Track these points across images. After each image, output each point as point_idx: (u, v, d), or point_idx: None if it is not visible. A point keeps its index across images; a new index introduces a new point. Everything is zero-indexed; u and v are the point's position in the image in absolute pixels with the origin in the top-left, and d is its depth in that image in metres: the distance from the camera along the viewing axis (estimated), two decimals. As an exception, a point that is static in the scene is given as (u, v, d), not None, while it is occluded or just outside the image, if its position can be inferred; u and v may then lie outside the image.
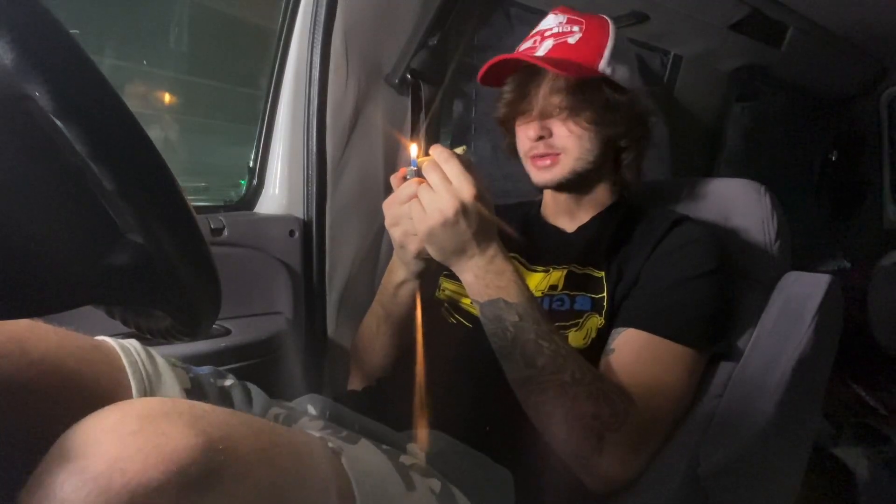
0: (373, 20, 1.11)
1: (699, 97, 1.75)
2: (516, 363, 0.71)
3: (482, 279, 0.71)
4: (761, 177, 1.04)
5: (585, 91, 0.89)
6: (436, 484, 0.60)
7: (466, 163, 0.70)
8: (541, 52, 0.92)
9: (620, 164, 0.96)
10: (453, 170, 0.68)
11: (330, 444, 0.53)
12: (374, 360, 0.96)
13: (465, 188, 0.67)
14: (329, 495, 0.49)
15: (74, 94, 0.37)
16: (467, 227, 0.68)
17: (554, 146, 0.90)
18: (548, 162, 0.91)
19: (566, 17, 0.95)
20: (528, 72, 0.92)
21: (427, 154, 0.72)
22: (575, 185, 0.94)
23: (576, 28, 0.93)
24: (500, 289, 0.70)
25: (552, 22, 0.95)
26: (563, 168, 0.91)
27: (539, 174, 0.93)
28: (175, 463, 0.38)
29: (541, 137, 0.90)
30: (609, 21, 0.94)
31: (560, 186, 0.94)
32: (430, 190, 0.68)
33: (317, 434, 0.56)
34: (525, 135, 0.92)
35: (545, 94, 0.90)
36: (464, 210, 0.67)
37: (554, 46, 0.92)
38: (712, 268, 0.84)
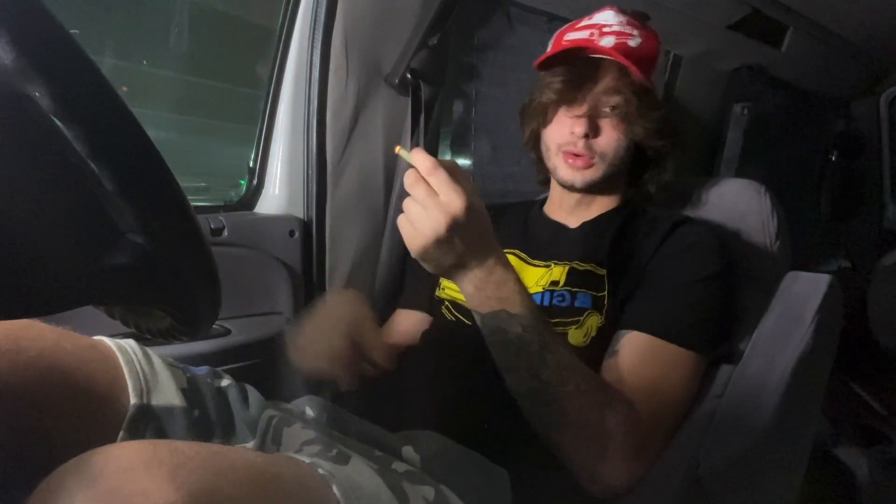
0: (373, 20, 1.11)
1: (699, 97, 1.75)
2: (520, 375, 0.68)
3: (482, 290, 0.67)
4: (761, 177, 1.04)
5: (643, 98, 0.88)
6: (429, 492, 0.59)
7: (452, 169, 0.63)
8: (602, 44, 0.89)
9: (641, 175, 0.97)
10: (439, 181, 0.61)
11: (320, 471, 0.51)
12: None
13: (454, 201, 0.60)
14: None
15: (74, 94, 0.37)
16: (461, 242, 0.63)
17: (594, 149, 0.89)
18: (581, 164, 0.90)
19: (625, 18, 0.93)
20: (586, 62, 0.90)
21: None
22: (599, 188, 0.94)
23: (636, 32, 0.91)
24: (501, 300, 0.66)
25: (612, 19, 0.92)
26: (597, 172, 0.90)
27: (571, 173, 0.91)
28: None
29: (586, 135, 0.88)
30: (658, 34, 0.94)
31: (586, 188, 0.93)
32: (417, 206, 0.62)
33: (306, 459, 0.54)
34: (568, 128, 0.90)
35: (604, 91, 0.88)
36: (455, 225, 0.61)
37: (616, 44, 0.89)
38: (716, 271, 0.83)
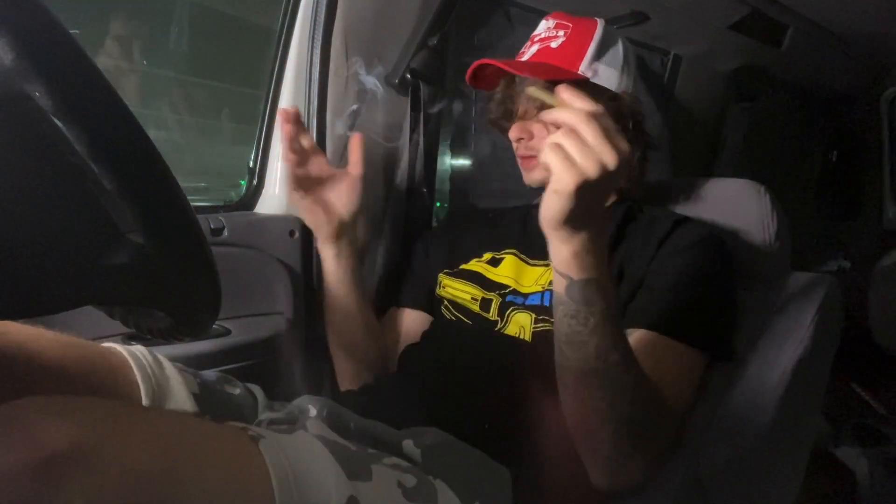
0: (373, 20, 1.11)
1: (699, 97, 1.75)
2: (585, 352, 0.65)
3: (588, 254, 0.62)
4: (761, 177, 1.04)
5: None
6: (410, 480, 0.58)
7: None
8: (526, 57, 0.95)
9: None
10: (611, 124, 0.58)
11: (250, 433, 0.51)
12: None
13: (624, 144, 0.58)
14: (238, 478, 0.47)
15: (74, 94, 0.37)
16: (607, 191, 0.60)
17: (533, 148, 0.93)
18: (533, 163, 0.94)
19: (555, 22, 0.97)
20: (514, 76, 0.95)
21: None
22: None
23: (560, 33, 0.95)
24: (597, 269, 0.63)
25: (542, 27, 0.98)
26: (543, 171, 0.93)
27: (527, 174, 0.96)
28: (38, 449, 0.37)
29: (521, 139, 0.93)
30: (598, 23, 0.95)
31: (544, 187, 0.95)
32: (580, 140, 0.57)
33: (240, 425, 0.54)
34: (510, 136, 0.96)
35: (523, 98, 0.94)
36: (620, 168, 0.57)
37: (538, 51, 0.95)
38: (717, 269, 0.84)
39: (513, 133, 0.94)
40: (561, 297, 0.65)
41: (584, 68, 0.92)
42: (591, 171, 0.57)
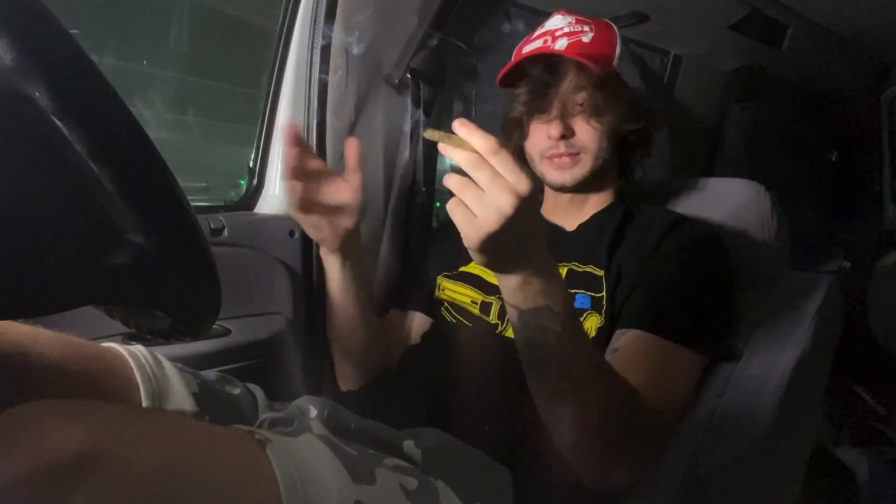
0: (373, 20, 1.11)
1: (699, 97, 1.75)
2: (550, 374, 0.66)
3: (530, 285, 0.61)
4: (761, 177, 1.04)
5: (607, 87, 0.89)
6: (411, 482, 0.58)
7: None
8: (555, 48, 0.92)
9: (627, 162, 0.97)
10: (505, 162, 0.55)
11: (257, 437, 0.51)
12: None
13: (522, 182, 0.54)
14: (245, 484, 0.47)
15: (74, 95, 0.37)
16: (522, 230, 0.57)
17: (575, 146, 0.90)
18: (568, 161, 0.91)
19: (573, 17, 0.96)
20: (546, 70, 0.92)
21: (442, 131, 0.58)
22: (589, 184, 0.94)
23: (586, 28, 0.93)
24: (547, 296, 0.62)
25: (561, 22, 0.95)
26: (584, 167, 0.91)
27: (558, 174, 0.92)
28: (46, 455, 0.37)
29: (563, 136, 0.89)
30: (612, 24, 0.96)
31: (577, 186, 0.93)
32: (477, 190, 0.55)
33: (246, 428, 0.54)
34: (545, 134, 0.91)
35: (567, 92, 0.90)
36: (522, 208, 0.54)
37: (570, 44, 0.91)
38: (715, 269, 0.84)
39: (554, 130, 0.89)
40: (515, 326, 0.64)
41: (616, 64, 0.91)
42: (491, 221, 0.55)
